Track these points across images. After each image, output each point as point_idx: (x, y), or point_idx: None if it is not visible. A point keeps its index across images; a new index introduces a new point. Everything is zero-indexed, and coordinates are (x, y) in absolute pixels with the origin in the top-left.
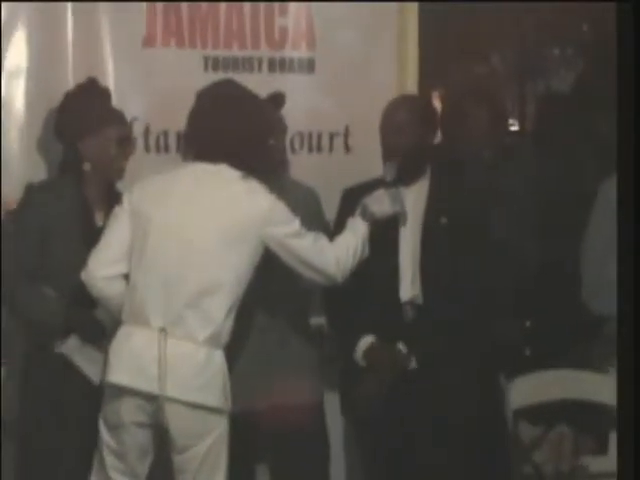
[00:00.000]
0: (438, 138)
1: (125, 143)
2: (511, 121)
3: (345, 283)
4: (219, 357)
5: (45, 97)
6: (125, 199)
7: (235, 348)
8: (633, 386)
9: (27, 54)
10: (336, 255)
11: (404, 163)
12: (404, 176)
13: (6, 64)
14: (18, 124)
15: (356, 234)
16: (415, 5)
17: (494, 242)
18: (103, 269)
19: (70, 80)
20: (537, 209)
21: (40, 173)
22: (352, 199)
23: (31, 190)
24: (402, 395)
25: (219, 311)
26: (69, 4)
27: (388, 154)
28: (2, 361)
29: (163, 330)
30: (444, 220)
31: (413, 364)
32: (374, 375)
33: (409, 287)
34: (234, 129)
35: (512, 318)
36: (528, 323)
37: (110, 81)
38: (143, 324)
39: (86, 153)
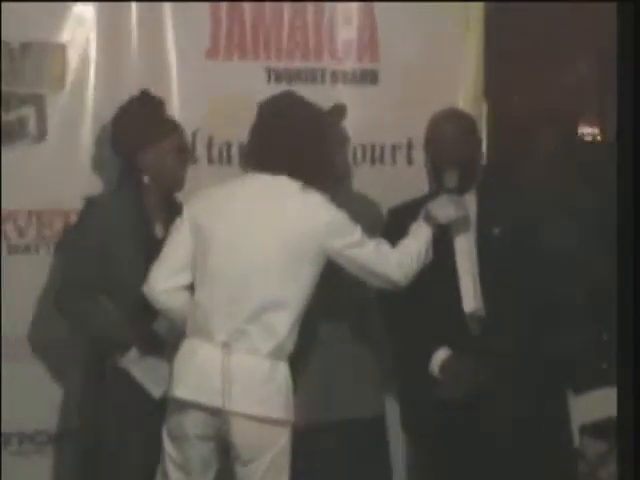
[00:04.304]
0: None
1: (183, 152)
2: (592, 133)
3: (404, 293)
4: (283, 369)
5: (110, 110)
6: (186, 211)
7: (296, 361)
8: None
9: (92, 67)
10: (399, 259)
11: (462, 172)
12: (460, 186)
13: (71, 78)
14: (82, 137)
15: (419, 239)
16: (480, 17)
17: (562, 255)
18: (165, 281)
19: (135, 93)
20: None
21: (98, 186)
22: (397, 218)
23: (90, 203)
24: (469, 409)
25: (283, 326)
26: (134, 17)
27: (447, 163)
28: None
29: (226, 345)
30: (496, 231)
31: (487, 378)
32: (451, 388)
33: (472, 299)
34: (295, 141)
35: (588, 331)
36: (605, 336)
37: (174, 93)
38: (207, 339)
39: (145, 166)
